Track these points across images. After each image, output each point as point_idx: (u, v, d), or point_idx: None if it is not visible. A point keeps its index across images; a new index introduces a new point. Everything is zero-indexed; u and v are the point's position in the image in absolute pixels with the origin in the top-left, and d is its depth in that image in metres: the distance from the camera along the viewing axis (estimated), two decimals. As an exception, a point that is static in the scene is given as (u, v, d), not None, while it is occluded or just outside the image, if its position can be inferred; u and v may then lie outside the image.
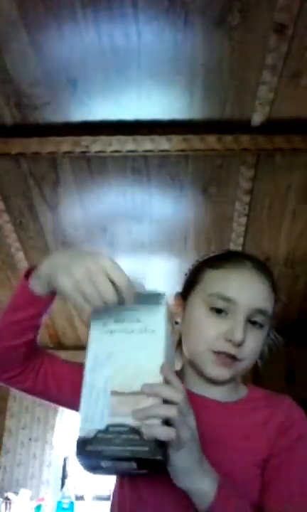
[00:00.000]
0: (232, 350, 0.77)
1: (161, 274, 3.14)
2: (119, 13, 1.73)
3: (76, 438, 0.59)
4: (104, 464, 0.59)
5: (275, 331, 0.89)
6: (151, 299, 0.68)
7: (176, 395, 0.60)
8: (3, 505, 3.13)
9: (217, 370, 0.79)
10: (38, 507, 3.16)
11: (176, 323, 0.87)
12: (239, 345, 0.77)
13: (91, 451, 0.58)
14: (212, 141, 2.20)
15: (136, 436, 0.57)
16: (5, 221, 2.74)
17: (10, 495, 3.21)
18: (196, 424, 0.66)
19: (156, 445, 0.57)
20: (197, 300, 0.83)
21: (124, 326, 0.65)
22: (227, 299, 0.79)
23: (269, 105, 2.07)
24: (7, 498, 3.17)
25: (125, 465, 0.59)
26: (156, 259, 3.02)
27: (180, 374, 0.86)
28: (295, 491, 0.73)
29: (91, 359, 0.63)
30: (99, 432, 0.58)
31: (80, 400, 0.62)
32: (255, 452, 0.75)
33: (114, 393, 0.60)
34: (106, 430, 0.58)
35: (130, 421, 0.58)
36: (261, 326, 0.80)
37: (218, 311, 0.80)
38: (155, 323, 0.65)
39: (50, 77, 1.99)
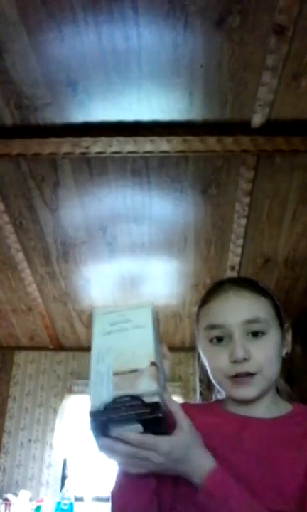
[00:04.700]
0: (243, 369, 0.81)
1: (161, 275, 3.14)
2: (119, 16, 1.74)
3: (88, 412, 0.69)
4: (114, 432, 0.69)
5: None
6: (139, 305, 0.82)
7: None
8: (3, 506, 3.12)
9: (240, 392, 0.83)
10: (38, 508, 3.16)
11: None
12: (245, 359, 0.80)
13: (102, 420, 0.68)
14: (212, 142, 2.20)
15: (138, 402, 0.68)
16: (5, 222, 2.74)
17: (9, 496, 3.21)
18: (242, 442, 0.76)
19: (155, 406, 0.68)
20: (201, 339, 0.90)
21: (119, 326, 0.78)
22: (218, 326, 0.84)
23: (269, 106, 2.07)
24: (6, 500, 3.17)
25: (132, 429, 0.69)
26: (156, 260, 3.03)
27: (224, 402, 0.91)
28: None
29: (95, 354, 0.75)
30: (107, 404, 0.69)
31: (89, 386, 0.72)
32: (301, 463, 0.76)
33: (116, 374, 0.71)
34: (113, 402, 0.69)
35: (131, 391, 0.69)
36: (262, 333, 0.83)
37: (218, 339, 0.84)
38: (144, 320, 0.78)
39: (50, 79, 2.00)
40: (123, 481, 0.76)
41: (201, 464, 0.73)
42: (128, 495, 0.76)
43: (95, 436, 0.71)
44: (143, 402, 0.68)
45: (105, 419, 0.68)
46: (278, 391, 0.90)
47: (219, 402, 0.92)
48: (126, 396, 0.69)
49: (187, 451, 0.72)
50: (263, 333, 0.83)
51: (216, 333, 0.84)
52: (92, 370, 0.73)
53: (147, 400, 0.68)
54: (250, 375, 0.81)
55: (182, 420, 0.74)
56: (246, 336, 0.82)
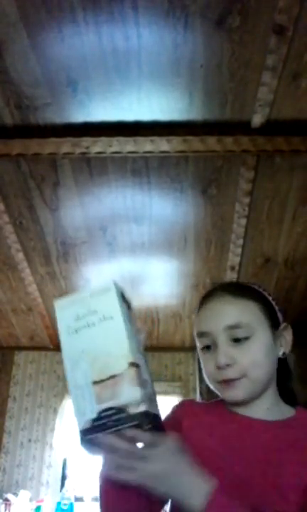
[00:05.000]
0: (227, 375, 0.82)
1: (161, 275, 3.14)
2: (119, 16, 1.74)
3: (76, 431, 0.65)
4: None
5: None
6: (100, 290, 0.74)
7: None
8: (3, 506, 3.12)
9: (229, 394, 0.84)
10: (38, 508, 3.15)
11: None
12: (228, 365, 0.81)
13: (91, 439, 0.65)
14: (212, 142, 2.20)
15: (124, 414, 0.64)
16: (5, 222, 2.74)
17: (9, 496, 3.20)
18: (243, 442, 0.77)
19: (143, 415, 0.64)
20: (197, 346, 0.90)
21: (85, 321, 0.71)
22: (205, 334, 0.86)
23: (269, 106, 2.07)
24: (6, 500, 3.16)
25: None
26: (156, 260, 3.02)
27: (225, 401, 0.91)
28: None
29: (67, 362, 0.69)
30: (93, 420, 0.64)
31: (71, 400, 0.68)
32: (303, 465, 0.76)
33: (95, 383, 0.66)
34: (98, 417, 0.64)
35: (114, 402, 0.64)
36: (245, 338, 0.83)
37: (207, 347, 0.86)
38: (110, 309, 0.71)
39: (50, 79, 2.00)
40: (109, 480, 0.75)
41: (198, 483, 0.69)
42: (114, 494, 0.76)
43: (90, 452, 0.67)
44: (129, 414, 0.64)
45: (93, 437, 0.64)
46: (283, 395, 0.90)
47: (223, 401, 0.92)
48: (111, 409, 0.64)
49: (181, 459, 0.70)
50: (246, 337, 0.83)
51: (204, 341, 0.86)
52: (70, 381, 0.68)
53: (132, 410, 0.64)
54: (235, 379, 0.82)
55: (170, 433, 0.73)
56: (229, 342, 0.83)
